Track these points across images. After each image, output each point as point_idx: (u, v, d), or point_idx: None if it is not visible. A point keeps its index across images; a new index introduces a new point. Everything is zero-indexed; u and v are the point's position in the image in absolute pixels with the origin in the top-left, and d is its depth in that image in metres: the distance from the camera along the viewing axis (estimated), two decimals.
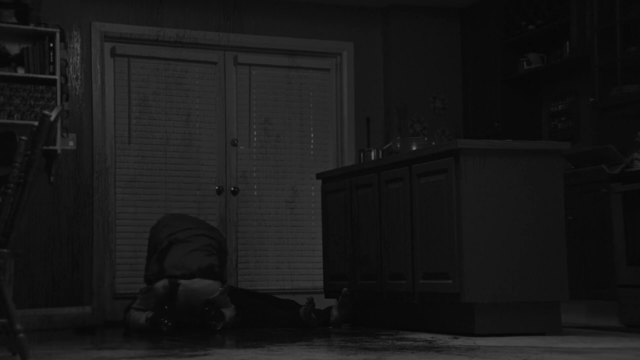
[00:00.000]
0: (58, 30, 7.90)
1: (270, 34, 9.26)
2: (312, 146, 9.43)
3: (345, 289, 7.33)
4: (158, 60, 8.90)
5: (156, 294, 7.24)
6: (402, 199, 6.70)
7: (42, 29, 7.87)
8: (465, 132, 9.69)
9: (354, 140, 9.45)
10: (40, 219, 7.97)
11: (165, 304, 7.20)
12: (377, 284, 7.02)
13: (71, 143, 8.14)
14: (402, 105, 9.53)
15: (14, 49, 7.93)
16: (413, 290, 6.55)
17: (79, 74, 8.28)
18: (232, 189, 9.08)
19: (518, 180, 6.21)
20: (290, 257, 9.22)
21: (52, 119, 4.65)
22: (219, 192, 9.03)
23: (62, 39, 7.99)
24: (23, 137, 4.63)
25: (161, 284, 7.25)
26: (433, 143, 7.53)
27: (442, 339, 5.74)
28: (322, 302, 8.17)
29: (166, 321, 7.09)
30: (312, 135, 9.44)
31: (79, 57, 8.29)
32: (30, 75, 7.79)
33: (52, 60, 7.83)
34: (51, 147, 7.76)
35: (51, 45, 7.85)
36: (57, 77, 7.84)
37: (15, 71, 7.80)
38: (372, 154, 7.92)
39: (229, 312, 7.32)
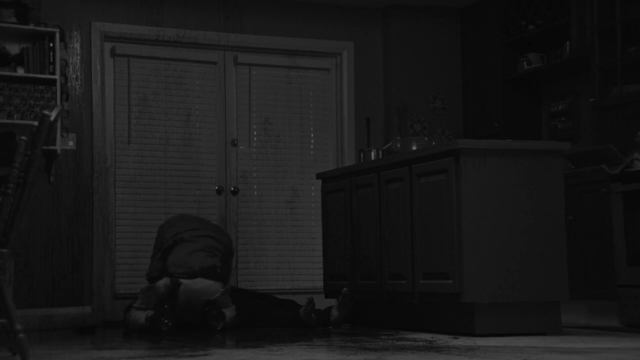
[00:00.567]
0: (58, 30, 7.89)
1: (270, 33, 9.26)
2: (312, 146, 9.43)
3: (345, 289, 7.32)
4: (158, 60, 8.89)
5: (157, 293, 7.24)
6: (402, 199, 6.69)
7: (42, 28, 7.85)
8: (465, 132, 9.69)
9: (354, 140, 9.44)
10: (40, 219, 7.96)
11: (166, 303, 7.19)
12: (377, 284, 7.01)
13: (71, 143, 8.13)
14: (402, 105, 9.52)
15: (13, 48, 7.92)
16: (413, 290, 6.54)
17: (78, 73, 8.27)
18: (232, 189, 9.07)
19: (518, 180, 6.20)
20: (290, 257, 9.21)
21: (52, 119, 4.64)
22: (219, 192, 9.03)
23: (62, 39, 7.98)
24: (23, 137, 4.62)
25: (162, 282, 7.25)
26: (433, 143, 7.52)
27: (442, 339, 5.73)
28: (322, 302, 8.16)
29: (166, 321, 7.08)
30: (312, 135, 9.44)
31: (78, 57, 8.28)
32: (30, 75, 7.78)
33: (52, 60, 7.83)
34: (51, 147, 7.75)
35: (51, 45, 7.84)
36: (57, 77, 7.83)
37: (15, 71, 7.79)
38: (372, 154, 7.92)
39: (229, 312, 7.31)
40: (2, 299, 4.67)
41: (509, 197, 6.16)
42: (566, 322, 7.09)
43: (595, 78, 7.92)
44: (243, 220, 9.10)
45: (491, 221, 6.10)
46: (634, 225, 6.97)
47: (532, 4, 8.88)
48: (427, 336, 6.03)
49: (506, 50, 9.20)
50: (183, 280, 7.22)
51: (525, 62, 8.96)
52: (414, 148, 7.37)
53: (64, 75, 7.96)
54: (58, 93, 7.82)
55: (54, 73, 7.83)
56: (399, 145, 7.55)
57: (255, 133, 9.21)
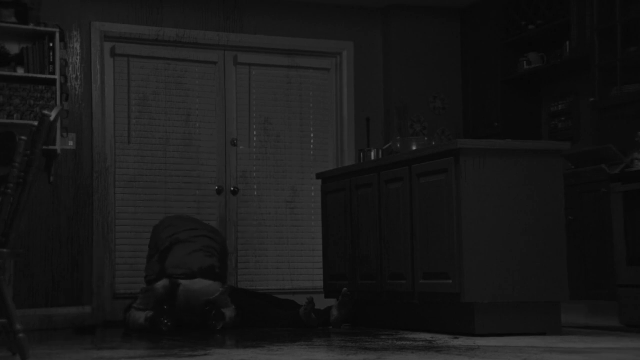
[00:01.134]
0: (58, 30, 7.88)
1: (270, 33, 9.24)
2: (312, 146, 9.42)
3: (345, 289, 7.32)
4: (158, 60, 8.88)
5: (156, 294, 7.23)
6: (402, 199, 6.68)
7: (42, 28, 7.84)
8: (465, 132, 9.68)
9: (354, 140, 9.43)
10: (40, 219, 7.95)
11: (165, 303, 7.18)
12: (377, 284, 7.00)
13: (71, 143, 8.13)
14: (402, 105, 9.51)
15: (13, 48, 7.91)
16: (413, 290, 6.53)
17: (78, 73, 8.26)
18: (232, 189, 9.06)
19: (518, 180, 6.19)
20: (290, 257, 9.20)
21: (51, 118, 4.64)
22: (219, 192, 9.02)
23: (62, 39, 7.96)
24: (23, 137, 4.62)
25: (161, 283, 7.24)
26: (433, 143, 7.52)
27: (442, 339, 5.73)
28: (322, 302, 8.15)
29: (166, 321, 7.07)
30: (312, 135, 9.43)
31: (78, 57, 8.27)
32: (30, 75, 7.77)
33: (51, 60, 7.81)
34: (51, 147, 7.74)
35: (51, 45, 7.83)
36: (56, 77, 7.82)
37: (15, 71, 7.78)
38: (372, 154, 7.91)
39: (229, 312, 7.30)
40: (2, 299, 4.66)
41: (509, 197, 6.16)
42: (566, 322, 7.08)
43: (595, 78, 7.91)
44: (243, 220, 9.09)
45: (491, 221, 6.10)
46: (634, 225, 6.95)
47: (532, 4, 8.86)
48: (427, 336, 6.03)
49: (506, 50, 9.19)
50: (182, 282, 7.21)
51: (525, 62, 8.95)
52: (414, 148, 7.36)
53: (64, 75, 7.95)
54: (58, 93, 7.81)
55: (54, 73, 7.82)
56: (399, 145, 7.55)
57: (255, 133, 9.20)
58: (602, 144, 7.93)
